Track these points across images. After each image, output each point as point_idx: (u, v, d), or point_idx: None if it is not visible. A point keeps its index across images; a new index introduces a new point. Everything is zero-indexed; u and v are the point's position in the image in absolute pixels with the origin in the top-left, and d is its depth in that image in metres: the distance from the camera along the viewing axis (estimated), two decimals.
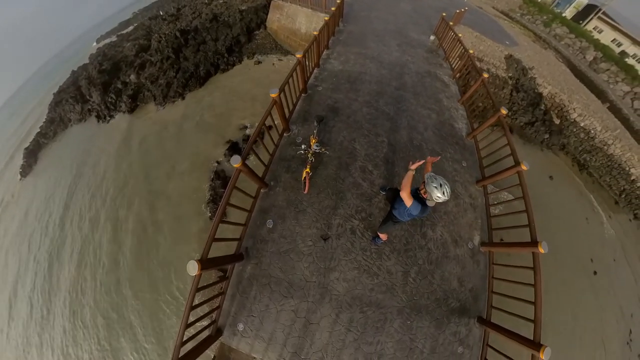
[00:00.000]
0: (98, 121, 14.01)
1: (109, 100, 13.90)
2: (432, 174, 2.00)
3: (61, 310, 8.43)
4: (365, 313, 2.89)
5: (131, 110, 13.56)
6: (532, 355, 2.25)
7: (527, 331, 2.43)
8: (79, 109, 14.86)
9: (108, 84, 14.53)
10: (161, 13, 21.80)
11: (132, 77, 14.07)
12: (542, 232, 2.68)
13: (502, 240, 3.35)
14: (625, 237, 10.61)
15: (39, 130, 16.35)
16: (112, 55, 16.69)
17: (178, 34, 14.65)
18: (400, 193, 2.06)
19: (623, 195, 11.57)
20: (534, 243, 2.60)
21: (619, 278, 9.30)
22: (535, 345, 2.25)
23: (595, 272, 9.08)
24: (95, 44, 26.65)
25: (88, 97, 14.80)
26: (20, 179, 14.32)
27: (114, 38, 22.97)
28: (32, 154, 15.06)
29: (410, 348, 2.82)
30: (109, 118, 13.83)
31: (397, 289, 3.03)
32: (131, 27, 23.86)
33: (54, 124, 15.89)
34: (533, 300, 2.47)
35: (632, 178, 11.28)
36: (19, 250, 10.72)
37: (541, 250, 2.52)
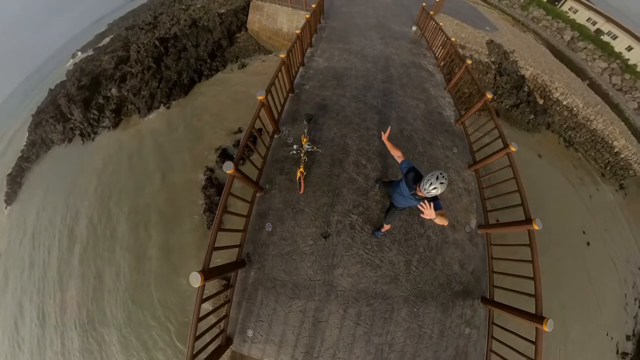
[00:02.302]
0: (82, 139, 13.59)
1: (91, 116, 13.49)
2: (423, 182, 1.85)
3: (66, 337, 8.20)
4: (372, 305, 2.92)
5: (116, 124, 13.21)
6: (536, 328, 2.33)
7: (529, 306, 2.51)
8: (61, 128, 14.36)
9: (89, 100, 14.09)
10: (138, 22, 21.21)
11: (114, 90, 13.68)
12: (535, 209, 2.75)
13: (498, 221, 3.42)
14: (613, 207, 11.04)
15: (20, 154, 15.72)
16: (91, 70, 16.19)
17: (157, 42, 14.30)
18: (445, 225, 2.12)
19: (608, 168, 12.03)
20: (528, 221, 2.68)
21: (611, 246, 9.69)
22: (538, 318, 2.33)
23: (588, 243, 9.43)
24: (71, 59, 25.77)
25: (69, 116, 14.32)
26: (5, 208, 13.76)
27: (90, 52, 22.26)
28: (16, 180, 14.48)
29: (419, 335, 2.87)
30: (93, 135, 13.42)
31: (401, 279, 3.07)
32: (108, 39, 23.17)
33: (36, 147, 15.32)
34: (532, 276, 2.54)
35: (615, 150, 11.73)
36: (12, 279, 10.34)
37: (535, 227, 2.60)
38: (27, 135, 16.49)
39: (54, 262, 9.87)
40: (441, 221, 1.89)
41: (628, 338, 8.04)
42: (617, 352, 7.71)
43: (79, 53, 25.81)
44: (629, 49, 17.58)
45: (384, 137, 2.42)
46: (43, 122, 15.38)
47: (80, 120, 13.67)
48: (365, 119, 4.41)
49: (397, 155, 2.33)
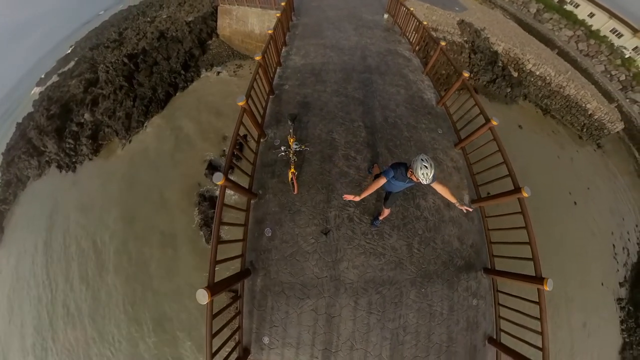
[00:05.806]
0: (61, 172, 12.90)
1: (67, 146, 12.82)
2: (418, 175, 1.95)
3: None
4: (381, 293, 2.97)
5: (95, 151, 12.63)
6: (538, 289, 2.43)
7: (529, 270, 2.62)
8: (36, 163, 13.56)
9: (61, 129, 13.38)
10: (102, 41, 20.26)
11: (87, 116, 13.06)
12: (522, 178, 2.86)
13: (489, 193, 3.53)
14: (593, 166, 11.66)
15: None
16: (59, 97, 15.35)
17: (126, 59, 13.73)
18: (453, 200, 2.39)
19: (584, 130, 12.65)
20: (517, 190, 2.78)
21: (595, 202, 10.25)
22: (538, 279, 2.43)
23: (575, 203, 9.93)
24: (36, 88, 24.33)
25: (43, 149, 13.55)
26: None
27: (55, 78, 21.08)
28: None
29: (430, 313, 2.95)
30: (72, 165, 12.78)
31: (405, 262, 3.13)
32: (72, 63, 22.00)
33: (12, 187, 14.40)
34: (528, 241, 2.65)
35: (589, 112, 12.32)
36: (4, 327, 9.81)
37: (525, 194, 2.70)
38: (0, 175, 15.52)
39: (44, 306, 9.37)
40: (449, 196, 2.33)
41: (621, 285, 8.59)
42: (615, 299, 8.22)
43: (44, 81, 24.45)
44: (591, 15, 18.42)
45: (354, 198, 2.37)
46: (15, 159, 14.47)
47: (55, 151, 12.95)
48: (349, 112, 4.42)
49: (376, 186, 2.32)
